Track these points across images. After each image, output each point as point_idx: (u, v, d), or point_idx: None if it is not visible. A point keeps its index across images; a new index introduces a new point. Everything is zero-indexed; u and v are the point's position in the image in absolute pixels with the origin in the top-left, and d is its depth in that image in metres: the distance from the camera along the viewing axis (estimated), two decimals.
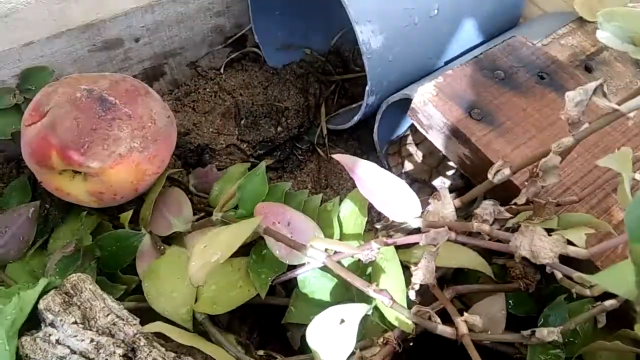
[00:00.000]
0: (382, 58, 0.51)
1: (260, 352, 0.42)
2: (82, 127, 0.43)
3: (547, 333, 0.32)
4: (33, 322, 0.36)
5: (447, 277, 0.44)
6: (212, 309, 0.40)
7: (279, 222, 0.42)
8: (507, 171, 0.34)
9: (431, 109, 0.44)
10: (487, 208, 0.35)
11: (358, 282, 0.36)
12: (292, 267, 0.43)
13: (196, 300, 0.41)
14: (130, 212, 0.47)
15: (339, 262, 0.39)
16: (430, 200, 0.38)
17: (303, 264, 0.42)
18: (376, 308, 0.42)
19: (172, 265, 0.43)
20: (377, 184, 0.39)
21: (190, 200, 0.53)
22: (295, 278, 0.43)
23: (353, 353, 0.37)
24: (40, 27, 0.49)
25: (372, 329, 0.41)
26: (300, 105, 0.63)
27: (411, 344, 0.43)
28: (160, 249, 0.45)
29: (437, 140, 0.45)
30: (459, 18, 0.55)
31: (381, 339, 0.39)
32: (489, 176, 0.35)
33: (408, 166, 0.56)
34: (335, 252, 0.39)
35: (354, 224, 0.44)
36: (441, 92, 0.44)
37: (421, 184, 0.55)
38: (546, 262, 0.30)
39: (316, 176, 0.59)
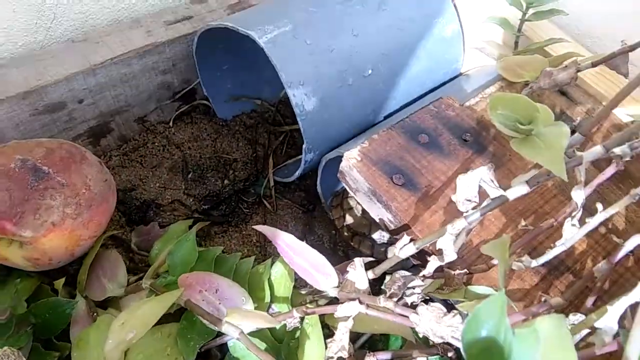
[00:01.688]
0: (317, 118, 0.52)
1: None
2: (15, 197, 0.44)
3: None
4: None
5: (375, 337, 0.45)
6: None
7: (206, 290, 0.42)
8: (411, 248, 0.35)
9: (356, 174, 0.45)
10: (396, 282, 0.36)
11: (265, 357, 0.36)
12: (222, 334, 0.44)
13: None
14: (63, 280, 0.47)
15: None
16: (348, 269, 0.39)
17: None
18: None
19: (101, 333, 0.43)
20: (297, 254, 0.40)
21: (131, 259, 0.54)
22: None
23: None
24: None
25: None
26: (248, 157, 0.64)
27: None
28: (93, 315, 0.46)
29: (364, 202, 0.46)
30: (395, 76, 0.57)
31: None
32: (395, 251, 0.36)
33: (349, 219, 0.57)
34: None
35: (283, 287, 0.45)
36: (365, 158, 0.45)
37: (361, 237, 0.56)
38: (442, 341, 0.31)
39: None
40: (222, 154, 0.64)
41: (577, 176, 0.31)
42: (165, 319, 0.45)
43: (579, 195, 0.31)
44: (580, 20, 0.64)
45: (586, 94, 0.54)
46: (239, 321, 0.38)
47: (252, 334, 0.43)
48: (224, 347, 0.46)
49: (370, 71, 0.55)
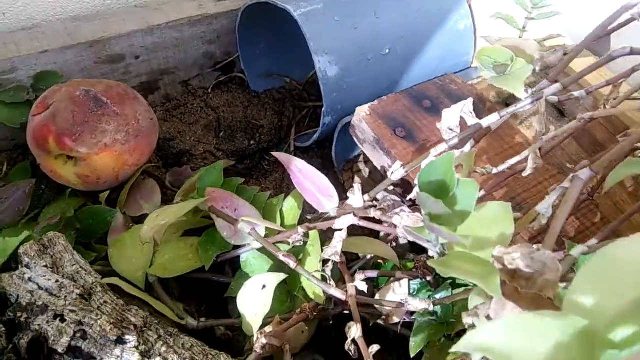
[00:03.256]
0: (337, 85, 0.60)
1: (202, 319, 0.50)
2: (77, 118, 0.53)
3: (419, 301, 0.39)
4: (12, 264, 0.44)
5: (367, 267, 0.51)
6: (163, 273, 0.48)
7: (227, 207, 0.50)
8: (401, 171, 0.42)
9: (365, 126, 0.52)
10: (387, 201, 0.43)
11: (272, 248, 0.43)
12: (237, 247, 0.51)
13: (151, 266, 0.49)
14: (107, 193, 0.55)
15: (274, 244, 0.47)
16: (348, 194, 0.46)
17: (245, 245, 0.50)
18: (302, 288, 0.49)
19: (136, 237, 0.51)
20: (307, 178, 0.47)
21: (164, 193, 0.62)
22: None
23: (273, 317, 0.45)
24: (56, 39, 0.60)
25: (299, 304, 0.48)
26: (274, 125, 0.72)
27: (331, 322, 0.50)
28: (129, 226, 0.53)
29: (369, 152, 0.53)
30: (409, 58, 0.64)
31: (299, 310, 0.46)
32: (389, 174, 0.43)
33: (357, 180, 0.64)
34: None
35: (292, 217, 0.52)
36: (374, 113, 0.53)
37: None
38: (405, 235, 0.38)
39: (279, 185, 0.67)
40: (251, 120, 0.72)
41: (539, 108, 0.37)
42: (190, 234, 0.53)
43: (539, 120, 0.38)
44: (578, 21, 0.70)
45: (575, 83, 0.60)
46: (253, 222, 0.45)
47: (260, 252, 0.50)
48: (236, 264, 0.53)
49: (387, 50, 0.62)
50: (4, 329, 0.40)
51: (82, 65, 0.62)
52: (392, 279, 0.48)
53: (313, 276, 0.42)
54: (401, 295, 0.46)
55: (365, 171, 0.64)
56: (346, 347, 0.37)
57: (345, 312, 0.50)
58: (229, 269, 0.55)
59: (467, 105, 0.38)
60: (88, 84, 0.56)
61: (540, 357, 0.21)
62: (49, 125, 0.53)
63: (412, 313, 0.46)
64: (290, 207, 0.53)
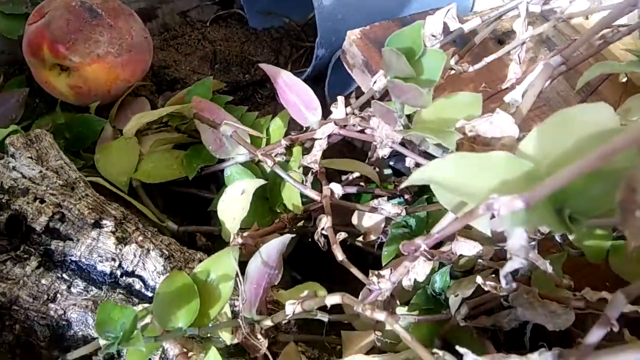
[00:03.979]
0: (332, 15, 0.60)
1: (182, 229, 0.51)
2: (71, 27, 0.53)
3: (392, 206, 0.40)
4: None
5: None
6: (146, 178, 0.49)
7: (213, 119, 0.50)
8: (383, 80, 0.42)
9: (355, 49, 0.52)
10: (367, 112, 0.43)
11: (249, 147, 0.44)
12: (221, 162, 0.51)
13: (135, 172, 0.50)
14: (97, 103, 0.56)
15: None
16: (331, 108, 0.47)
17: (229, 159, 0.51)
18: (282, 204, 0.50)
19: (122, 145, 0.52)
20: (292, 92, 0.48)
21: None
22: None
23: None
24: None
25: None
26: (270, 61, 0.73)
27: (309, 239, 0.51)
28: (118, 137, 0.54)
29: (358, 77, 0.54)
30: None
31: (277, 220, 0.47)
32: (370, 84, 0.43)
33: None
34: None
35: (278, 135, 0.53)
36: (365, 37, 0.53)
37: None
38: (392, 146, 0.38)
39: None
40: (247, 55, 0.73)
41: (521, 13, 0.37)
42: (177, 147, 0.54)
43: (518, 23, 0.38)
44: None
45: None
46: (236, 126, 0.45)
47: (244, 165, 0.51)
48: (220, 181, 0.54)
49: None
50: None
51: None
52: (371, 197, 0.48)
53: (289, 176, 0.43)
54: (379, 215, 0.47)
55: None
56: (315, 238, 0.38)
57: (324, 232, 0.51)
58: (213, 186, 0.56)
59: (450, 11, 0.39)
60: None
61: (484, 190, 0.21)
62: (44, 32, 0.53)
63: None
64: (276, 127, 0.53)
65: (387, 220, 0.46)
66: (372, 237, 0.48)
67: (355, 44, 0.52)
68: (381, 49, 0.53)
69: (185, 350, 0.30)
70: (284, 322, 0.38)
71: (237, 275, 0.30)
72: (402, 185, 0.24)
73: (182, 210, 0.56)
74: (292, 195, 0.47)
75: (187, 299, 0.31)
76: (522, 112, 0.29)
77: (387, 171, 0.56)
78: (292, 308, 0.29)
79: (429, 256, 0.30)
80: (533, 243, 0.34)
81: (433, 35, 0.39)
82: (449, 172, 0.22)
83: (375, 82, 0.43)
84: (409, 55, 0.28)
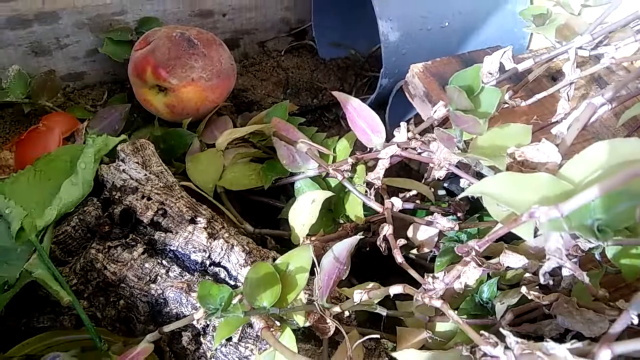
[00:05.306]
0: (397, 50, 0.66)
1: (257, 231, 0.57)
2: (172, 54, 0.62)
3: (447, 221, 0.45)
4: (110, 158, 0.54)
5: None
6: (229, 186, 0.57)
7: (289, 137, 0.57)
8: (443, 110, 0.48)
9: (417, 81, 0.58)
10: (426, 135, 0.49)
11: (322, 163, 0.50)
12: (293, 175, 0.58)
13: (220, 179, 0.57)
14: (189, 120, 0.64)
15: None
16: (394, 132, 0.53)
17: (300, 173, 0.57)
18: (345, 215, 0.56)
19: (209, 156, 0.60)
20: (360, 117, 0.54)
21: None
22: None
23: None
24: None
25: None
26: (336, 89, 0.80)
27: (367, 249, 0.57)
28: (204, 150, 0.62)
29: (419, 105, 0.59)
30: (466, 34, 0.70)
31: (340, 228, 0.53)
32: (431, 113, 0.49)
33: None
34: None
35: (344, 155, 0.59)
36: (427, 70, 0.59)
37: None
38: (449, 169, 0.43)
39: None
40: (316, 82, 0.80)
41: (570, 56, 0.42)
42: (254, 161, 0.61)
43: (567, 66, 0.42)
44: None
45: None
46: (310, 144, 0.52)
47: (313, 179, 0.58)
48: (289, 193, 0.61)
49: (447, 23, 0.68)
50: (99, 204, 0.49)
51: (178, 16, 0.72)
52: (426, 214, 0.53)
53: (356, 189, 0.49)
54: (434, 229, 0.52)
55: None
56: (378, 243, 0.44)
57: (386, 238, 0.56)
58: (283, 197, 0.62)
59: (507, 52, 0.44)
60: (183, 28, 0.66)
61: (528, 203, 0.27)
62: (149, 57, 0.62)
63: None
64: (342, 147, 0.60)
65: (440, 235, 0.51)
66: (426, 250, 0.52)
67: (418, 77, 0.58)
68: (441, 82, 0.58)
69: (268, 325, 0.36)
70: (345, 315, 0.44)
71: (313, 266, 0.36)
72: (462, 195, 0.29)
73: (255, 217, 0.62)
74: (355, 207, 0.53)
75: (270, 283, 0.37)
76: (566, 142, 0.34)
77: (441, 192, 0.61)
78: (359, 296, 0.34)
79: (479, 262, 0.35)
80: (574, 260, 0.38)
81: (490, 73, 0.45)
82: (500, 187, 0.27)
83: (435, 112, 0.48)
84: (469, 91, 0.34)
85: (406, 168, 0.70)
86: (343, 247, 0.38)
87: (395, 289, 0.33)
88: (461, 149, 0.37)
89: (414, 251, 0.54)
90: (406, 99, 0.69)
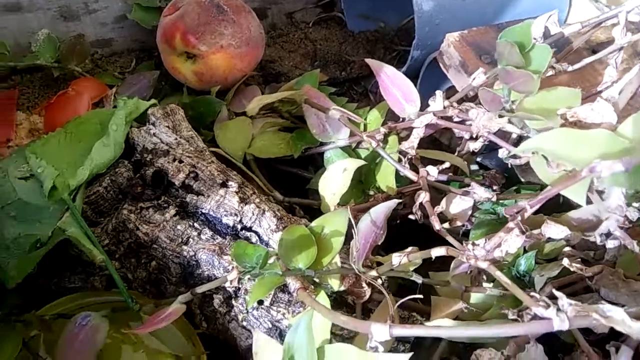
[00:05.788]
0: (430, 20, 0.65)
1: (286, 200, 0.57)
2: (201, 20, 0.61)
3: (484, 191, 0.44)
4: (141, 121, 0.53)
5: None
6: (259, 153, 0.56)
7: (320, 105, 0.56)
8: (483, 77, 0.46)
9: (452, 50, 0.57)
10: (463, 104, 0.48)
11: (355, 130, 0.49)
12: (323, 145, 0.57)
13: (249, 147, 0.57)
14: (217, 88, 0.63)
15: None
16: (429, 101, 0.51)
17: (330, 143, 0.56)
18: (376, 186, 0.55)
19: (238, 124, 0.59)
20: (394, 85, 0.53)
21: None
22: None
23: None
24: None
25: None
26: (364, 62, 0.78)
27: (397, 221, 0.56)
28: (233, 117, 0.61)
29: (453, 76, 0.58)
30: (502, 6, 0.68)
31: (372, 198, 0.52)
32: (470, 80, 0.47)
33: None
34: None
35: (375, 125, 0.58)
36: (463, 39, 0.57)
37: (443, 130, 0.67)
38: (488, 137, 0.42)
39: None
40: (344, 55, 0.79)
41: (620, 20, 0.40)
42: (284, 129, 0.61)
43: (616, 31, 0.41)
44: None
45: None
46: (343, 111, 0.51)
47: (343, 149, 0.57)
48: (318, 163, 0.60)
49: None
50: (130, 166, 0.49)
51: None
52: (459, 187, 0.52)
53: (390, 157, 0.48)
54: (469, 201, 0.50)
55: None
56: (413, 210, 0.43)
57: (410, 216, 0.55)
58: (312, 167, 0.62)
59: (553, 16, 0.42)
60: None
61: (586, 159, 0.25)
62: (178, 23, 0.62)
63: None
64: (373, 118, 0.58)
65: (474, 208, 0.50)
66: (458, 223, 0.51)
67: (453, 46, 0.56)
68: (478, 51, 0.57)
69: (304, 286, 0.35)
70: (378, 283, 0.43)
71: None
72: (517, 150, 0.27)
73: (283, 187, 0.62)
74: (387, 177, 0.52)
75: (306, 245, 0.36)
76: (619, 105, 0.32)
77: (474, 167, 0.60)
78: (398, 259, 0.34)
79: (523, 229, 0.34)
80: (622, 229, 0.36)
81: (534, 38, 0.43)
82: (556, 143, 0.26)
83: (474, 79, 0.47)
84: (520, 48, 0.32)
85: (436, 142, 0.69)
86: (380, 211, 0.37)
87: (438, 251, 0.32)
88: (508, 110, 0.36)
89: (446, 225, 0.53)
90: (438, 71, 0.67)
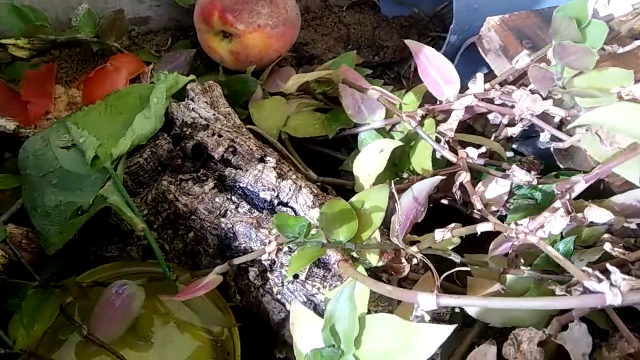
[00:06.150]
0: (469, 5, 0.64)
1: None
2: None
3: (524, 174, 0.43)
4: (179, 97, 0.54)
5: None
6: (294, 132, 0.56)
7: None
8: (527, 59, 0.46)
9: (492, 34, 0.56)
10: (505, 87, 0.47)
11: (395, 110, 0.49)
12: (357, 126, 0.57)
13: (284, 126, 0.57)
14: (253, 67, 0.64)
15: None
16: (469, 84, 0.51)
17: (365, 124, 0.56)
18: (410, 169, 0.55)
19: (273, 103, 0.59)
20: (433, 66, 0.52)
21: None
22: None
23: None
24: None
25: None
26: (398, 47, 0.78)
27: (431, 205, 0.55)
28: (267, 96, 0.62)
29: (492, 60, 0.57)
30: None
31: (407, 180, 0.52)
32: (511, 64, 0.46)
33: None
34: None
35: (411, 108, 0.58)
36: (504, 23, 0.56)
37: (477, 116, 0.67)
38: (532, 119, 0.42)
39: None
40: (378, 40, 0.78)
41: None
42: (319, 110, 0.61)
43: None
44: None
45: None
46: (383, 91, 0.51)
47: (378, 132, 0.56)
48: (351, 145, 0.60)
49: None
50: (170, 139, 0.50)
51: None
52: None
53: (429, 137, 0.47)
54: (505, 186, 0.50)
55: None
56: (453, 190, 0.42)
57: (444, 201, 0.55)
58: (344, 149, 0.62)
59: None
60: None
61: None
62: (216, 2, 0.62)
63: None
64: (409, 101, 0.58)
65: (510, 194, 0.49)
66: (493, 209, 0.51)
67: (494, 29, 0.56)
68: (519, 36, 0.56)
69: (345, 257, 0.35)
70: (414, 262, 0.43)
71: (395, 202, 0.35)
72: (572, 125, 0.27)
73: (315, 167, 0.62)
74: (423, 159, 0.52)
75: (347, 219, 0.37)
76: None
77: (509, 154, 0.59)
78: (441, 234, 0.33)
79: (570, 209, 0.33)
80: None
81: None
82: (615, 116, 0.26)
83: (517, 62, 0.46)
84: (577, 23, 0.32)
85: (469, 129, 0.68)
86: (423, 188, 0.37)
87: (484, 227, 0.32)
88: (562, 87, 0.35)
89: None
90: (473, 57, 0.66)
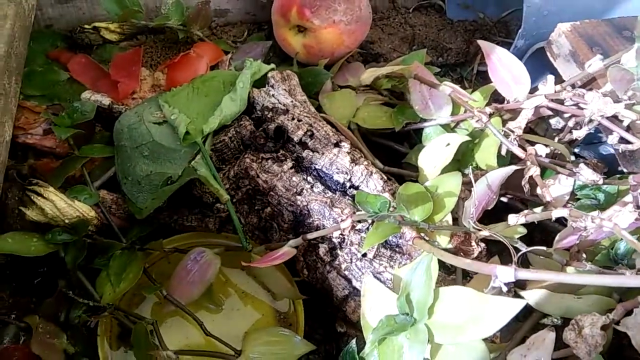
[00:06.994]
0: (539, 11, 0.65)
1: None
2: None
3: (591, 173, 0.45)
4: (258, 85, 0.58)
5: None
6: (362, 123, 0.59)
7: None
8: (600, 63, 0.47)
9: (563, 39, 0.58)
10: (577, 89, 0.49)
11: (467, 105, 0.51)
12: (423, 121, 0.60)
13: (354, 117, 0.60)
14: (325, 61, 0.67)
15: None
16: (539, 85, 0.53)
17: (431, 120, 0.59)
18: (473, 165, 0.57)
19: (344, 95, 0.62)
20: (504, 66, 0.54)
21: None
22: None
23: None
24: None
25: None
26: (461, 50, 0.80)
27: None
28: (337, 89, 0.65)
29: (561, 65, 0.58)
30: (612, 1, 0.67)
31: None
32: (585, 67, 0.48)
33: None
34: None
35: (479, 106, 0.60)
36: (575, 30, 0.58)
37: (539, 120, 0.68)
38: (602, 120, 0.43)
39: None
40: (442, 42, 0.80)
41: None
42: (387, 104, 0.63)
43: None
44: None
45: None
46: (453, 86, 0.53)
47: (443, 128, 0.59)
48: (413, 140, 0.62)
49: None
50: (251, 121, 0.54)
51: None
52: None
53: (499, 132, 0.49)
54: (567, 187, 0.51)
55: None
56: (522, 183, 0.44)
57: (503, 198, 0.57)
58: (407, 143, 0.64)
59: None
60: None
61: None
62: None
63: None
64: (477, 99, 0.60)
65: (571, 195, 0.51)
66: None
67: (565, 35, 0.57)
68: (589, 43, 0.57)
69: (419, 235, 0.38)
70: (476, 252, 0.45)
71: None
72: None
73: (381, 158, 0.65)
74: (488, 156, 0.54)
75: (422, 200, 0.39)
76: None
77: (571, 158, 0.60)
78: (515, 219, 0.36)
79: (638, 204, 0.35)
80: None
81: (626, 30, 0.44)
82: None
83: (590, 66, 0.48)
84: None
85: (531, 132, 0.69)
86: (496, 176, 0.39)
87: (560, 212, 0.34)
88: None
89: (539, 209, 0.54)
90: (539, 62, 0.68)
